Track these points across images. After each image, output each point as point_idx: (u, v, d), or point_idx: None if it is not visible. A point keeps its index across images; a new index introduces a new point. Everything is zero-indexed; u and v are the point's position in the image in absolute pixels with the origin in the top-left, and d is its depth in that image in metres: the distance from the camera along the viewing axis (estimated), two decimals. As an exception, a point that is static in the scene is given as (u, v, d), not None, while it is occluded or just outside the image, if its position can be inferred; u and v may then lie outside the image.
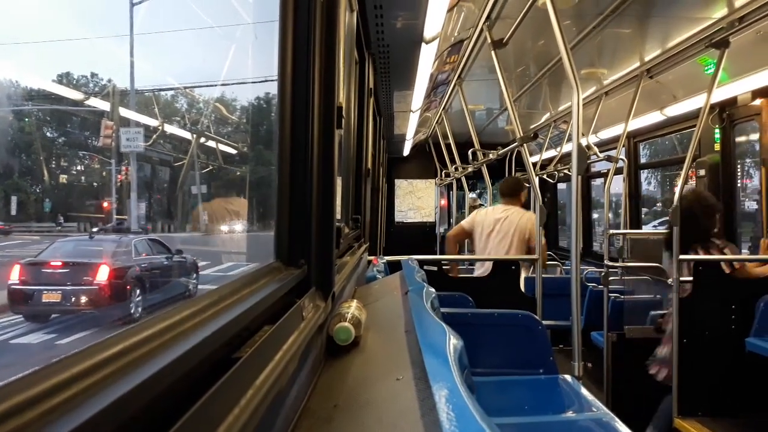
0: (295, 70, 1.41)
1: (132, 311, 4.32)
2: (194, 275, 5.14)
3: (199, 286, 5.11)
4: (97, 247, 4.61)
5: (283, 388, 0.98)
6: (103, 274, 4.33)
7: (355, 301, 1.84)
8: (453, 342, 1.17)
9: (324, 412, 1.20)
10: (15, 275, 3.84)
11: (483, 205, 7.06)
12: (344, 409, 1.19)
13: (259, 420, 0.80)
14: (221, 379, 0.71)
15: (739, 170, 5.25)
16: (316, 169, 1.48)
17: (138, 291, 4.52)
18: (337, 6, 1.58)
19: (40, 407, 0.47)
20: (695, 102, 4.65)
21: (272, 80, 1.46)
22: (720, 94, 4.33)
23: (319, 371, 1.46)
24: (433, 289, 2.09)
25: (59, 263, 4.21)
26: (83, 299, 4.10)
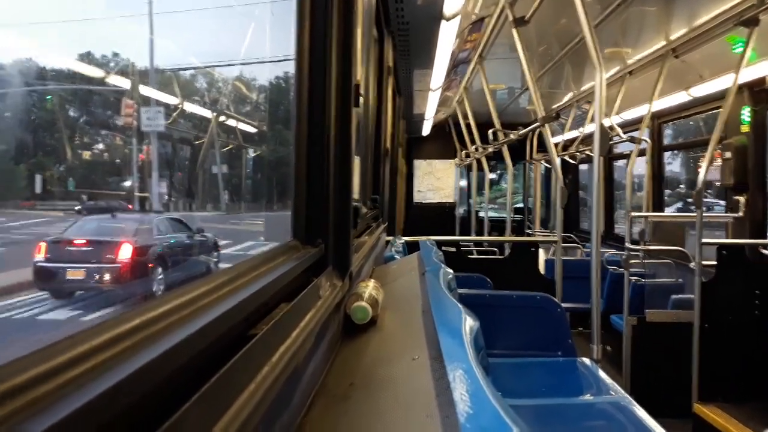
0: (312, 48, 1.40)
1: (154, 289, 4.38)
2: (215, 254, 5.21)
3: (220, 264, 5.20)
4: (120, 226, 4.70)
5: (299, 365, 0.98)
6: (125, 252, 4.38)
7: (372, 280, 1.84)
8: (469, 323, 1.17)
9: (340, 390, 1.21)
10: (40, 253, 3.88)
11: None
12: (360, 387, 1.20)
13: (274, 396, 0.80)
14: (237, 354, 0.72)
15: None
16: (333, 148, 1.47)
17: (160, 269, 4.58)
18: (356, -18, 1.56)
19: (64, 375, 0.48)
20: (722, 82, 4.54)
21: (291, 59, 1.45)
22: (748, 74, 4.22)
23: (336, 349, 1.47)
24: (450, 270, 2.08)
25: (83, 241, 4.27)
26: (106, 276, 4.18)
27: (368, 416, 1.05)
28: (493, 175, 11.44)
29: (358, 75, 1.63)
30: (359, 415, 1.05)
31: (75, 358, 0.52)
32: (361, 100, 3.04)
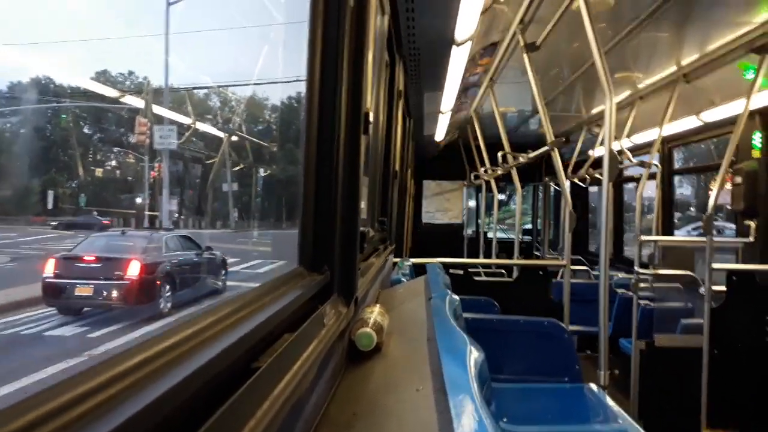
0: (323, 77, 1.41)
1: (162, 306, 4.42)
2: (223, 272, 5.27)
3: (228, 283, 5.17)
4: (130, 243, 4.71)
5: (301, 397, 0.98)
6: (134, 269, 4.40)
7: (378, 306, 1.84)
8: (474, 354, 1.17)
9: (343, 419, 1.21)
10: (50, 269, 3.93)
11: None
12: (363, 417, 1.19)
13: (276, 430, 0.80)
14: (238, 391, 0.72)
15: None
16: (342, 175, 1.48)
17: (168, 286, 4.59)
18: (368, 12, 1.58)
19: (68, 414, 0.49)
20: (733, 108, 4.53)
21: (302, 80, 1.46)
22: (760, 100, 4.21)
23: (340, 377, 1.46)
24: (456, 297, 2.08)
25: (92, 258, 4.30)
26: (114, 293, 4.21)
27: (370, 449, 1.04)
28: (502, 197, 11.44)
29: (368, 103, 1.65)
30: (361, 447, 1.05)
31: (78, 397, 0.52)
32: (371, 124, 3.07)
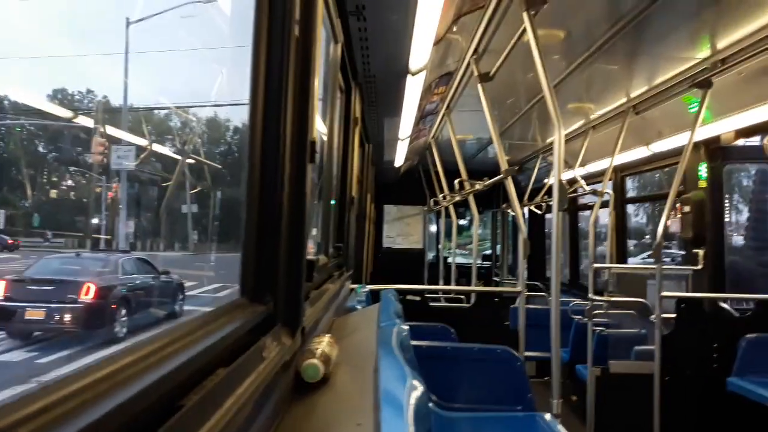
0: (267, 105, 1.41)
1: (117, 330, 4.29)
2: (180, 296, 5.16)
3: (185, 307, 5.05)
4: (84, 265, 4.61)
5: (235, 434, 0.95)
6: (88, 293, 4.28)
7: (327, 336, 1.81)
8: (413, 389, 1.16)
9: None
10: (1, 290, 3.84)
11: None
12: (302, 454, 1.17)
13: (200, 473, 0.78)
14: (159, 429, 0.69)
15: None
16: (287, 203, 1.46)
17: (124, 310, 4.46)
18: (313, 41, 1.58)
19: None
20: (680, 139, 4.70)
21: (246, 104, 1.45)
22: (704, 132, 4.37)
23: (284, 411, 1.43)
24: (406, 327, 2.07)
25: (44, 280, 4.18)
26: (67, 317, 4.05)
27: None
28: (463, 221, 11.53)
29: (315, 132, 1.65)
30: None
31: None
32: (326, 149, 3.06)
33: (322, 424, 1.31)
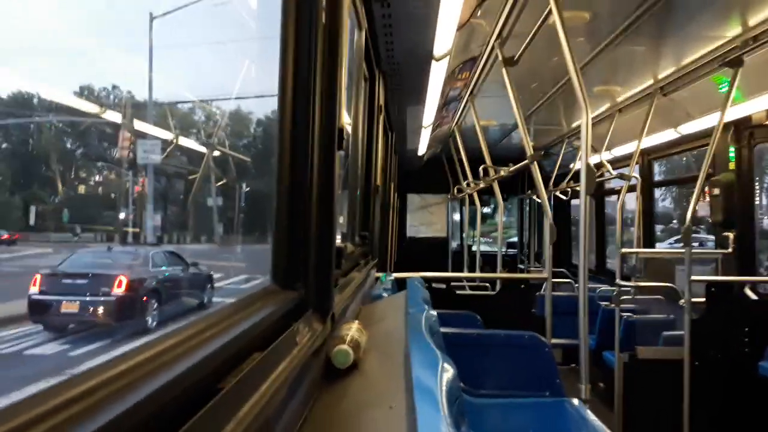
0: (296, 93, 1.41)
1: (149, 322, 4.39)
2: (209, 286, 5.23)
3: (214, 298, 5.10)
4: (116, 259, 4.67)
5: (270, 418, 0.97)
6: (120, 286, 4.39)
7: (356, 322, 1.83)
8: (445, 370, 1.16)
9: None
10: (35, 285, 3.90)
11: None
12: (336, 436, 1.18)
13: (240, 453, 0.79)
14: (198, 413, 0.71)
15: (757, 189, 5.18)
16: (316, 191, 1.47)
17: (154, 302, 4.57)
18: (340, 28, 1.58)
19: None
20: (709, 120, 4.61)
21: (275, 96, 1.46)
22: (735, 113, 4.28)
23: (316, 395, 1.45)
24: (434, 312, 2.08)
25: (78, 274, 4.29)
26: (100, 310, 4.17)
27: (341, 469, 1.03)
28: (487, 210, 11.48)
29: (343, 119, 1.65)
30: (332, 467, 1.04)
31: (30, 421, 0.51)
32: (350, 138, 3.07)
33: (354, 408, 1.33)
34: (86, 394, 0.60)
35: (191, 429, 0.68)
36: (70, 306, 4.03)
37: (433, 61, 3.52)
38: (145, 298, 4.52)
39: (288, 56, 1.40)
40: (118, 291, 4.32)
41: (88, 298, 4.13)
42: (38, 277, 3.92)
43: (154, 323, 4.35)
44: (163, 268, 5.02)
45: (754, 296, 4.50)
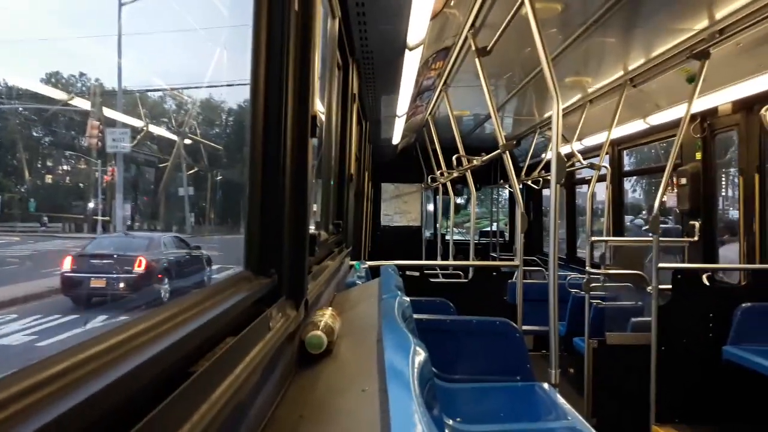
0: (268, 80, 1.41)
1: (162, 295, 5.05)
2: (208, 268, 5.90)
3: (213, 277, 5.79)
4: (134, 242, 5.52)
5: (243, 400, 0.98)
6: (140, 265, 5.13)
7: (329, 309, 1.84)
8: (416, 353, 1.18)
9: (289, 423, 1.21)
10: (67, 265, 4.63)
11: None
12: (309, 419, 1.19)
13: (214, 433, 0.80)
14: (171, 395, 0.71)
15: (724, 179, 5.31)
16: (289, 178, 1.48)
17: (166, 279, 5.34)
18: (313, 15, 1.58)
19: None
20: (677, 111, 4.70)
21: (247, 84, 1.46)
22: (701, 104, 4.38)
23: (290, 379, 1.46)
24: (406, 298, 2.10)
25: (103, 255, 5.01)
26: (123, 285, 4.89)
27: (313, 450, 1.05)
28: (460, 200, 11.56)
29: (316, 107, 1.65)
30: (305, 449, 1.05)
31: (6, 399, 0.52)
32: (324, 126, 3.07)
33: (327, 391, 1.34)
34: (55, 378, 0.60)
35: (163, 411, 0.68)
36: (98, 282, 4.75)
37: (407, 51, 3.52)
38: (159, 276, 5.25)
39: (260, 43, 1.39)
40: (139, 269, 5.07)
41: (113, 275, 4.88)
42: (69, 258, 4.65)
43: (166, 296, 5.01)
44: (172, 250, 5.69)
45: (723, 281, 4.63)
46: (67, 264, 4.59)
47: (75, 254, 4.70)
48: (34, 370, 0.58)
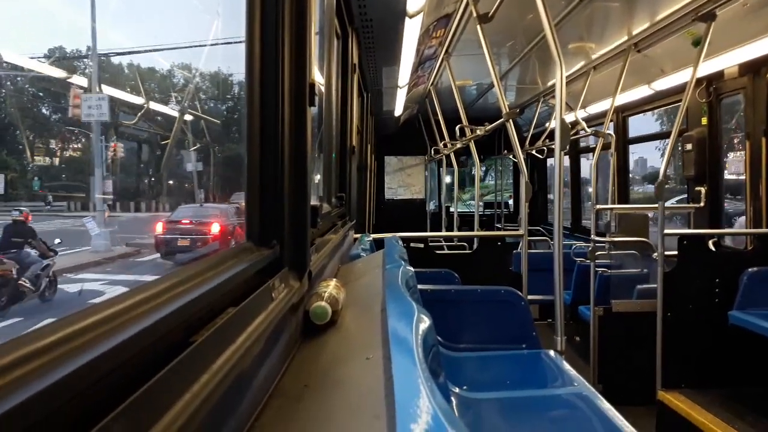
0: (264, 48, 1.38)
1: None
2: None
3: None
4: (210, 211, 7.32)
5: (246, 371, 0.98)
6: (216, 228, 6.81)
7: (334, 280, 1.84)
8: (420, 320, 1.18)
9: (294, 392, 1.21)
10: (160, 228, 6.22)
11: None
12: (314, 388, 1.19)
13: (216, 402, 0.80)
14: (169, 364, 0.71)
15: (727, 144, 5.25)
16: (288, 148, 1.46)
17: (233, 240, 6.66)
18: (308, -19, 1.55)
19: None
20: (682, 76, 4.63)
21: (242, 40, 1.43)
22: (707, 68, 4.31)
23: (295, 350, 1.46)
24: (410, 268, 2.09)
25: (186, 220, 6.58)
26: (201, 244, 6.28)
27: (318, 418, 1.05)
28: (465, 169, 11.49)
29: (313, 74, 1.62)
30: (309, 417, 1.05)
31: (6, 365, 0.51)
32: (324, 97, 3.03)
33: (332, 360, 1.34)
34: (56, 344, 0.59)
35: (162, 380, 0.68)
36: (184, 242, 6.22)
37: (407, 18, 3.46)
38: (229, 237, 6.63)
39: (255, 9, 1.36)
40: (215, 231, 6.69)
41: (194, 236, 6.31)
42: (162, 223, 6.27)
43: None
44: (234, 218, 7.03)
45: (729, 246, 4.61)
46: (159, 228, 6.15)
47: (164, 220, 6.25)
48: (34, 336, 0.57)
